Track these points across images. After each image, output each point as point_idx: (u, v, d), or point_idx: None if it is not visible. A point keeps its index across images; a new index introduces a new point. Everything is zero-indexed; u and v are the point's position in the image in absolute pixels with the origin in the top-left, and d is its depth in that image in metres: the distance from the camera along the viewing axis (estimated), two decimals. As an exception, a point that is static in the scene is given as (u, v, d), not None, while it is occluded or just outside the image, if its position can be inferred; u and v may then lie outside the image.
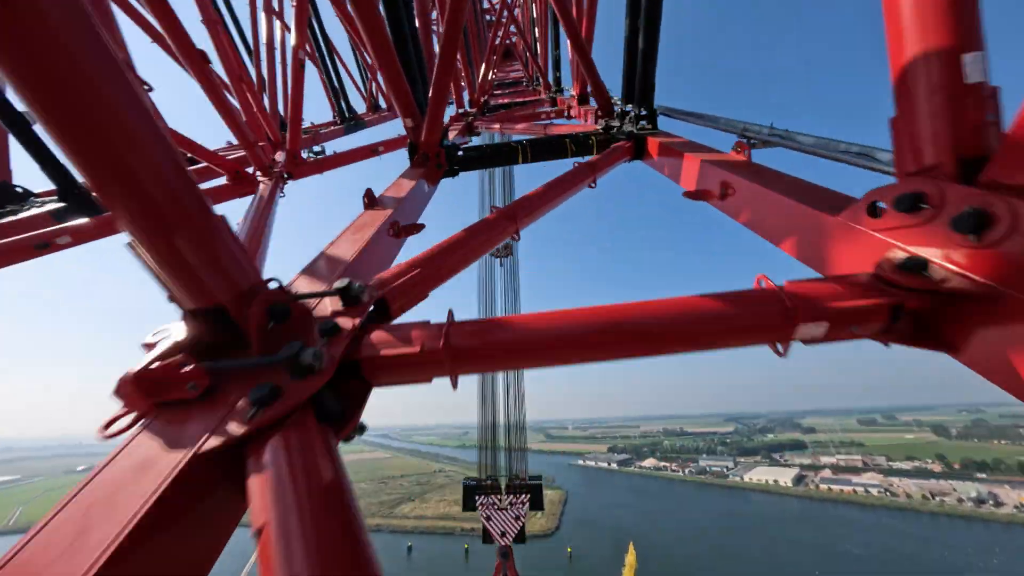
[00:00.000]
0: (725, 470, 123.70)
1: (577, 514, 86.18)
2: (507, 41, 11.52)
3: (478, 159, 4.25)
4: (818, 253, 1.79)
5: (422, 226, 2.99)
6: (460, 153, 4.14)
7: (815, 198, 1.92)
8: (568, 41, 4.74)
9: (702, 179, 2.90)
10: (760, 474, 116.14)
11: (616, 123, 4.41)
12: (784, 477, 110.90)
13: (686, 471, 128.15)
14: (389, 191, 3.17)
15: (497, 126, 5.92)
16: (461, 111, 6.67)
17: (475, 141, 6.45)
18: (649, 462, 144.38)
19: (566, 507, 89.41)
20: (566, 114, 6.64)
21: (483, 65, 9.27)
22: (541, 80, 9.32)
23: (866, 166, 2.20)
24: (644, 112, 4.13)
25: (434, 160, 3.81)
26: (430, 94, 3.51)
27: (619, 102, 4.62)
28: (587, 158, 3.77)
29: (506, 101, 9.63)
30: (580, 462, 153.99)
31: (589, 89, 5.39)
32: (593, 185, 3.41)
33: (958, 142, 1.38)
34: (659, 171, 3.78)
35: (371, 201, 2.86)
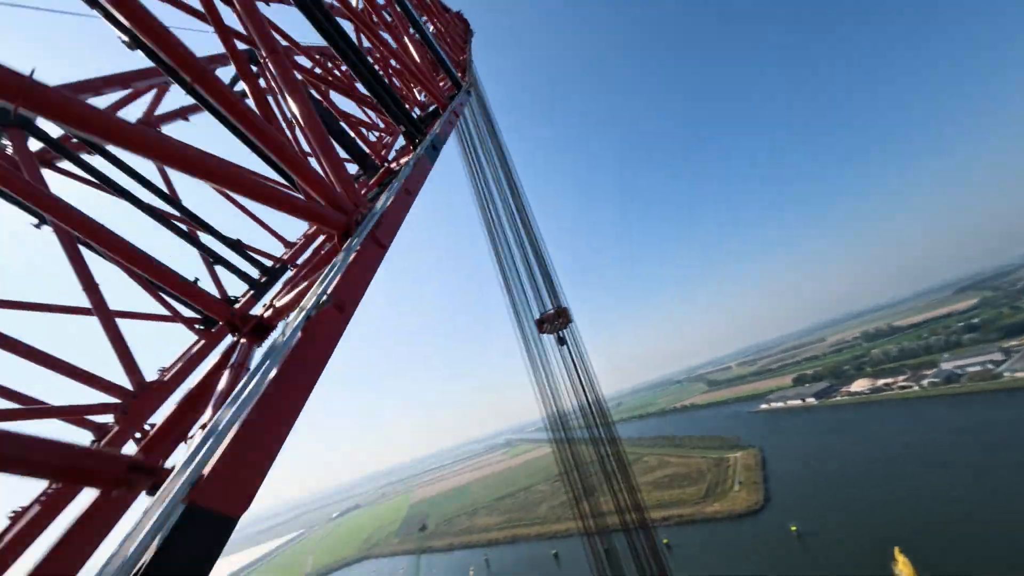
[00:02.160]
0: (990, 365, 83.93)
1: (786, 476, 66.59)
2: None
3: None
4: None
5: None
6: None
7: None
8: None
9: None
10: (1048, 359, 69.24)
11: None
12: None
13: (924, 383, 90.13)
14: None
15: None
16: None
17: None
18: (860, 384, 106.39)
19: (767, 470, 72.13)
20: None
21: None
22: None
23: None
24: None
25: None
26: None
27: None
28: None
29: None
30: (763, 406, 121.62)
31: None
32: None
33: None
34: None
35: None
